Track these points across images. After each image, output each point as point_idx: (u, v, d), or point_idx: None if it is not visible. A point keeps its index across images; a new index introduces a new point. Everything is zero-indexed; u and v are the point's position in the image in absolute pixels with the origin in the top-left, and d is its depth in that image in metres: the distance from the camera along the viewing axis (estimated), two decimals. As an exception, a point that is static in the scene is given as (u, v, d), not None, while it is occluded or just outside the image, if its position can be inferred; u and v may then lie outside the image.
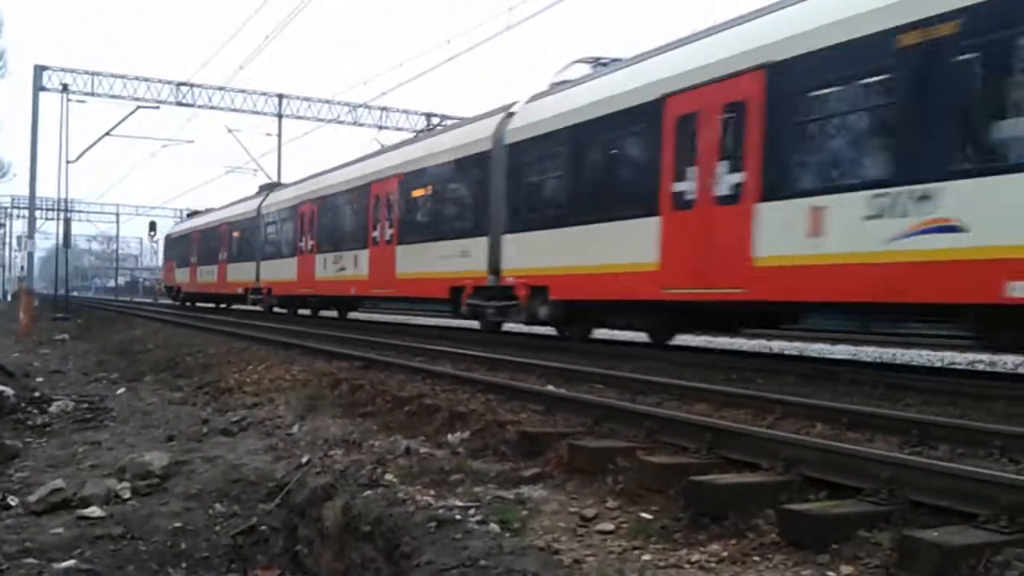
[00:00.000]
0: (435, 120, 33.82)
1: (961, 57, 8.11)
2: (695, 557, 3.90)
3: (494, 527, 4.47)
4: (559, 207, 13.56)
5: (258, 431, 7.91)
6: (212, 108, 33.02)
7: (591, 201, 12.86)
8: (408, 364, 10.15)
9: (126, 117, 32.19)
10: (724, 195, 10.46)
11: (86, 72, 30.92)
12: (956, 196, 8.01)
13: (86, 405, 10.44)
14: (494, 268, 14.98)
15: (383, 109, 34.62)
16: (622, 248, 12.03)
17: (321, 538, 5.35)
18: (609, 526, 4.40)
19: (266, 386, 9.96)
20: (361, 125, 34.88)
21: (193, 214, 46.23)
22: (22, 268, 46.34)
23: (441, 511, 4.77)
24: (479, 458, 6.02)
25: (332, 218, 22.37)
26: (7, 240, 79.06)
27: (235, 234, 31.53)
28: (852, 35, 9.02)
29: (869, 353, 14.22)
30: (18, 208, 69.13)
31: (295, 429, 7.73)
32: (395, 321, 20.74)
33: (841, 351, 14.28)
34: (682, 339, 15.69)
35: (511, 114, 15.36)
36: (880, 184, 8.70)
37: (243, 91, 33.52)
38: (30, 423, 9.41)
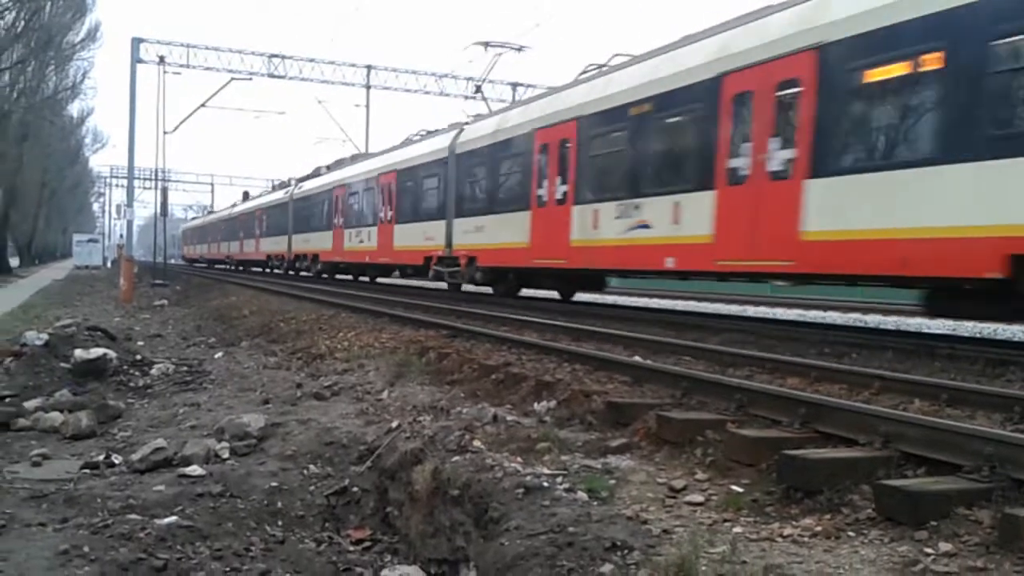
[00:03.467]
0: (520, 90, 33.75)
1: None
2: (787, 531, 3.85)
3: (582, 495, 4.48)
4: (480, 201, 19.10)
5: (349, 396, 8.08)
6: (303, 80, 33.56)
7: (495, 198, 18.27)
8: (494, 333, 10.22)
9: (220, 89, 33.00)
10: (571, 197, 15.49)
11: (181, 44, 31.81)
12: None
13: (185, 368, 10.83)
14: (448, 243, 20.32)
15: (469, 79, 34.68)
16: (510, 231, 17.36)
17: (410, 501, 5.44)
18: (699, 498, 4.37)
19: (356, 353, 10.16)
20: (448, 95, 35.03)
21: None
22: (121, 236, 48.20)
23: (529, 478, 4.80)
24: (566, 427, 6.04)
25: (351, 202, 28.64)
26: (106, 209, 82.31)
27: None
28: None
29: (968, 328, 13.73)
30: (116, 178, 71.77)
31: (384, 395, 7.87)
32: (473, 291, 20.83)
33: (938, 325, 13.81)
34: (772, 312, 15.44)
35: (462, 130, 20.93)
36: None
37: (332, 63, 33.98)
38: (132, 385, 9.82)
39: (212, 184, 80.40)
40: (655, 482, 4.67)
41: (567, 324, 11.00)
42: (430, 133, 23.95)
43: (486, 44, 25.50)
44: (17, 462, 6.59)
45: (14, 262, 57.25)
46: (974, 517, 3.67)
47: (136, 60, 30.49)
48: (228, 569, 4.47)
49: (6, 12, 32.36)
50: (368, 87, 34.66)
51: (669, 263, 12.74)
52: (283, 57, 33.11)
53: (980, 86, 8.46)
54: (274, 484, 5.70)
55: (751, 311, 16.41)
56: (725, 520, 4.06)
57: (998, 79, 8.26)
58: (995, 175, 8.24)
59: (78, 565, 4.23)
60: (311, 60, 33.50)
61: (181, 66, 31.91)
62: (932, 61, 8.97)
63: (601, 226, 14.31)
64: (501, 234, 17.65)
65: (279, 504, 5.49)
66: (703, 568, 3.34)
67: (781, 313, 15.68)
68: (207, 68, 32.36)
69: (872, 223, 9.49)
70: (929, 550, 3.48)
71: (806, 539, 3.74)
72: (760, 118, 11.19)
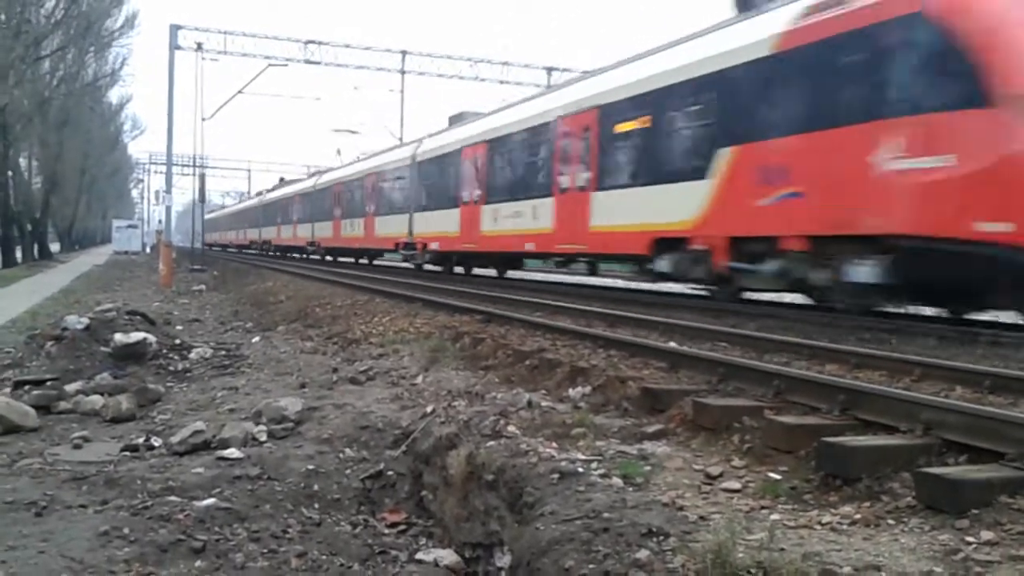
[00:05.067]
0: (556, 74, 33.59)
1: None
2: (826, 519, 3.81)
3: (617, 481, 4.46)
4: (431, 199, 23.98)
5: (384, 380, 8.11)
6: (338, 65, 33.63)
7: (439, 197, 23.21)
8: (528, 319, 10.20)
9: (257, 75, 33.22)
10: (472, 198, 21.03)
11: (218, 31, 32.00)
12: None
13: (223, 352, 10.95)
14: (410, 233, 25.26)
15: (504, 63, 34.56)
16: (447, 223, 22.18)
17: (445, 485, 5.46)
18: (735, 484, 4.34)
19: (391, 338, 10.20)
20: (483, 80, 34.95)
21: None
22: (160, 222, 48.74)
23: (564, 463, 4.79)
24: (601, 413, 6.02)
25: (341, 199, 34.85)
26: (145, 195, 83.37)
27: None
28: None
29: (1011, 315, 13.44)
30: (155, 164, 72.60)
31: (419, 380, 7.89)
32: (523, 277, 21.20)
33: (980, 312, 13.54)
34: (808, 300, 15.29)
35: (421, 143, 26.49)
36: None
37: (368, 48, 34.02)
38: (171, 368, 9.95)
39: (249, 170, 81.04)
40: (691, 468, 4.64)
41: (602, 310, 10.95)
42: (400, 145, 31.57)
43: None
44: (58, 444, 6.72)
45: (55, 247, 58.28)
46: (1017, 506, 3.61)
47: (174, 47, 30.69)
48: (266, 551, 4.52)
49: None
50: (403, 72, 34.65)
51: (529, 247, 17.95)
52: (319, 43, 33.19)
53: (669, 137, 13.59)
54: (310, 467, 5.75)
55: (788, 297, 16.23)
56: (762, 507, 4.03)
57: (672, 135, 13.47)
58: (649, 195, 13.68)
59: (118, 546, 4.30)
60: (347, 46, 33.54)
61: (218, 53, 32.10)
62: (643, 122, 14.11)
63: (498, 220, 19.37)
64: (442, 225, 22.70)
65: (315, 487, 5.53)
66: (740, 555, 3.31)
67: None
68: (244, 55, 32.51)
69: (621, 220, 14.50)
70: (970, 538, 3.43)
71: (845, 527, 3.69)
72: (573, 150, 16.26)
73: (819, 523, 3.77)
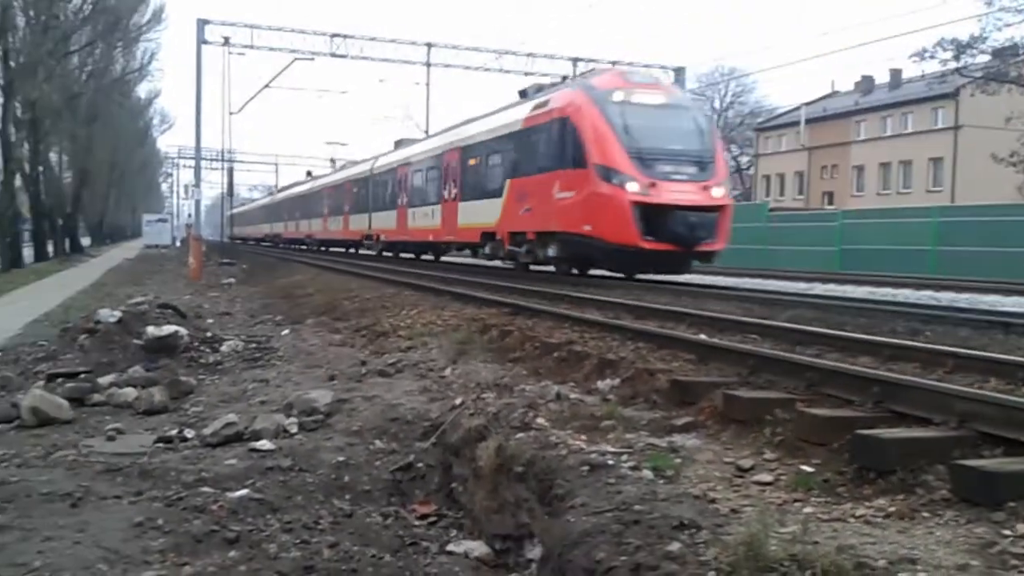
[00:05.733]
0: (581, 64, 33.45)
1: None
2: (860, 512, 3.79)
3: (647, 473, 4.46)
4: (381, 203, 30.60)
5: (413, 373, 8.15)
6: (364, 59, 33.63)
7: (386, 202, 29.90)
8: (555, 311, 10.19)
9: (284, 69, 33.33)
10: (407, 203, 27.33)
11: (245, 25, 32.03)
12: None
13: (254, 345, 11.03)
14: (369, 227, 32.10)
15: (529, 55, 34.42)
16: (391, 221, 28.90)
17: (475, 477, 5.47)
18: (767, 477, 4.32)
19: (419, 330, 10.24)
20: (507, 72, 34.80)
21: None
22: (189, 215, 49.22)
23: (593, 455, 4.80)
24: (630, 405, 6.01)
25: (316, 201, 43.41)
26: (175, 188, 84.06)
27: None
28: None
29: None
30: (183, 158, 73.13)
31: (447, 372, 7.91)
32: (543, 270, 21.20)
33: (1013, 303, 13.38)
34: (841, 289, 15.18)
35: (377, 159, 33.40)
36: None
37: (393, 40, 33.98)
38: (203, 361, 10.04)
39: (276, 164, 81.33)
40: (722, 461, 4.62)
41: (629, 302, 10.90)
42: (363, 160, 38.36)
43: None
44: (92, 436, 6.81)
45: (85, 241, 58.95)
46: (1055, 499, 3.58)
47: (201, 41, 30.83)
48: (298, 541, 4.55)
49: (75, -5, 33.18)
50: (428, 65, 34.55)
51: (430, 237, 24.71)
52: (345, 36, 33.18)
53: (487, 170, 20.37)
54: (341, 459, 5.79)
55: (819, 288, 16.11)
56: (795, 500, 4.01)
57: (489, 169, 20.36)
58: (480, 205, 20.23)
59: (152, 536, 4.35)
60: (372, 39, 33.51)
61: (245, 47, 32.15)
62: (477, 159, 21.14)
63: (416, 219, 26.06)
64: (388, 222, 29.38)
65: (346, 478, 5.57)
66: (773, 547, 3.29)
67: (851, 290, 15.34)
68: (271, 49, 32.56)
69: (468, 221, 21.06)
70: (1007, 531, 3.40)
71: (879, 520, 3.67)
72: (450, 173, 22.83)
73: (853, 516, 3.75)
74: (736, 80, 67.26)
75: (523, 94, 21.17)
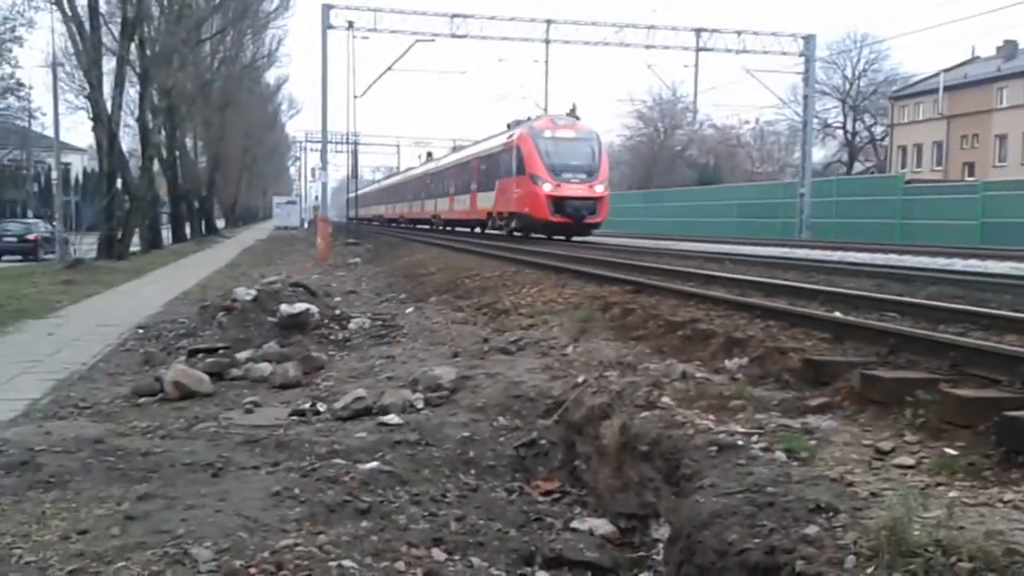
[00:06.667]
0: (704, 35, 32.69)
1: None
2: (1008, 496, 3.59)
3: (780, 455, 4.33)
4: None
5: (534, 351, 8.15)
6: (483, 38, 33.75)
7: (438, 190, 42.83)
8: (679, 288, 10.01)
9: (406, 51, 33.77)
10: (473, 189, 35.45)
11: (368, 9, 32.65)
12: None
13: (380, 323, 11.28)
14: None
15: (650, 27, 33.81)
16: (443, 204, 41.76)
17: (598, 455, 5.43)
18: (909, 460, 4.12)
19: (540, 308, 10.24)
20: (627, 46, 34.31)
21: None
22: (316, 198, 50.76)
23: (722, 436, 4.69)
24: (760, 385, 5.85)
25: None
26: (303, 172, 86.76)
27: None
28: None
29: None
30: (310, 142, 75.24)
31: (569, 350, 7.89)
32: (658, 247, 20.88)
33: None
34: (983, 265, 14.37)
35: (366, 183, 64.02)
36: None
37: (513, 19, 33.97)
38: (332, 338, 10.33)
39: (398, 145, 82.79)
40: (860, 443, 4.44)
41: (757, 278, 10.60)
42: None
43: None
44: (231, 409, 7.10)
45: (220, 223, 61.69)
46: None
47: (326, 26, 31.62)
48: (426, 513, 4.63)
49: (206, -16, 34.54)
50: (547, 42, 34.35)
51: (442, 217, 39.57)
52: (465, 16, 33.42)
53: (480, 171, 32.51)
54: (466, 434, 5.85)
55: (959, 264, 15.27)
56: (938, 484, 3.82)
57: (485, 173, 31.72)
58: (483, 195, 31.56)
59: (289, 506, 4.49)
60: (492, 17, 33.62)
61: (368, 30, 32.78)
62: (483, 164, 32.13)
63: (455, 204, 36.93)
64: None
65: (471, 453, 5.62)
66: (916, 532, 3.13)
67: (992, 266, 14.48)
68: (392, 31, 33.06)
69: (483, 204, 31.39)
70: None
71: (1030, 506, 3.45)
72: (475, 173, 32.61)
73: (1001, 501, 3.56)
74: (869, 47, 64.32)
75: (509, 126, 30.29)
